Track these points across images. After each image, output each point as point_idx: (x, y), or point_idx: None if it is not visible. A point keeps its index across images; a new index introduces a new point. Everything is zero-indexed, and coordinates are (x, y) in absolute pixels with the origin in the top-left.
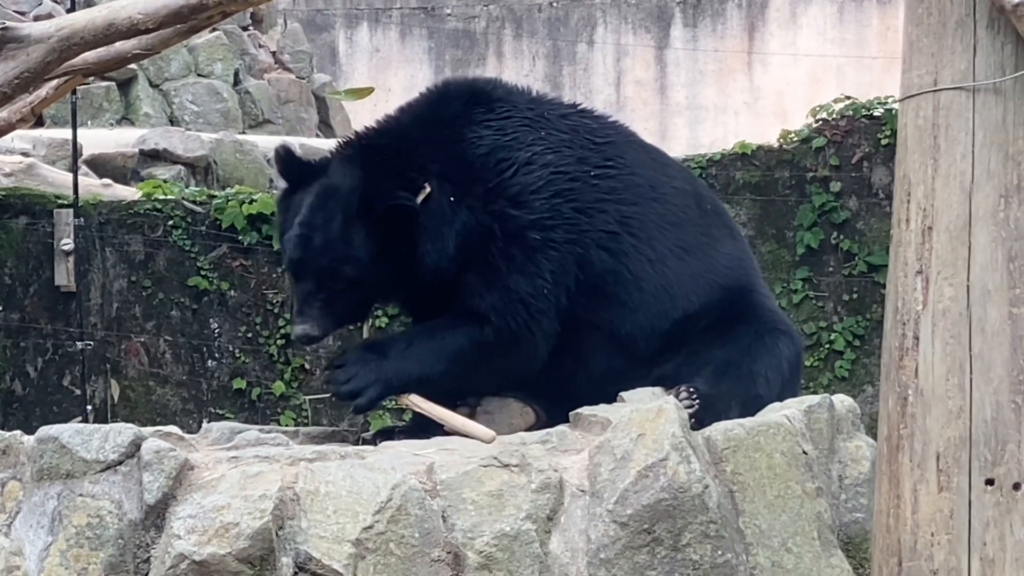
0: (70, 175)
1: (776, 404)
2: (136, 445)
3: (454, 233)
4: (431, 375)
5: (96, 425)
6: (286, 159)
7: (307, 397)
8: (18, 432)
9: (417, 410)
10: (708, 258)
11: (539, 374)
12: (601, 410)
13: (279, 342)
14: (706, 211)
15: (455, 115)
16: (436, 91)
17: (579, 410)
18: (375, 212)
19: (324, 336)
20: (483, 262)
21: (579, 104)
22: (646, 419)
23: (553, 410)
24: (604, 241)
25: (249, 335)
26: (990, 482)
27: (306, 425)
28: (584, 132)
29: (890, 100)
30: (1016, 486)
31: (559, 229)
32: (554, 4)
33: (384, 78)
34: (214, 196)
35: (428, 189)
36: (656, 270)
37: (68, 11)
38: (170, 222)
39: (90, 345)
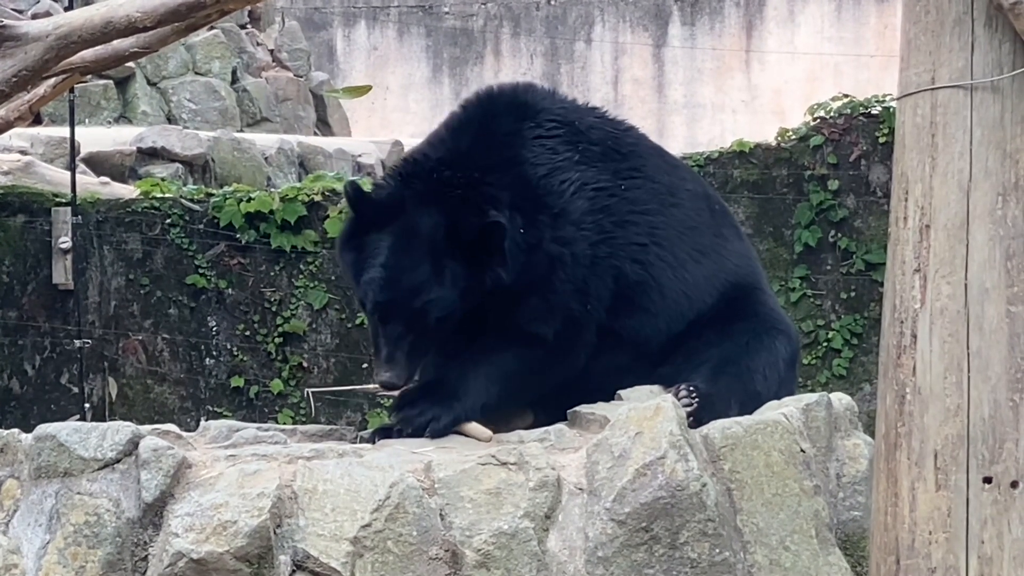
0: (68, 173)
1: (774, 402)
2: (134, 443)
3: (524, 261)
4: (489, 401)
5: (94, 423)
6: (357, 198)
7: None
8: (16, 430)
9: None
10: (720, 258)
11: None
12: (599, 408)
13: (277, 340)
14: (715, 211)
15: (510, 133)
16: (482, 105)
17: (577, 408)
18: (464, 241)
19: (407, 383)
20: (549, 287)
21: (595, 108)
22: (644, 417)
23: (551, 408)
24: (636, 253)
25: (247, 333)
26: (988, 480)
27: (304, 422)
28: (611, 143)
29: (888, 98)
30: (1014, 484)
31: (602, 245)
32: (552, 2)
33: (382, 76)
34: (212, 194)
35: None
36: (677, 275)
37: (66, 9)
38: (168, 220)
39: (88, 343)
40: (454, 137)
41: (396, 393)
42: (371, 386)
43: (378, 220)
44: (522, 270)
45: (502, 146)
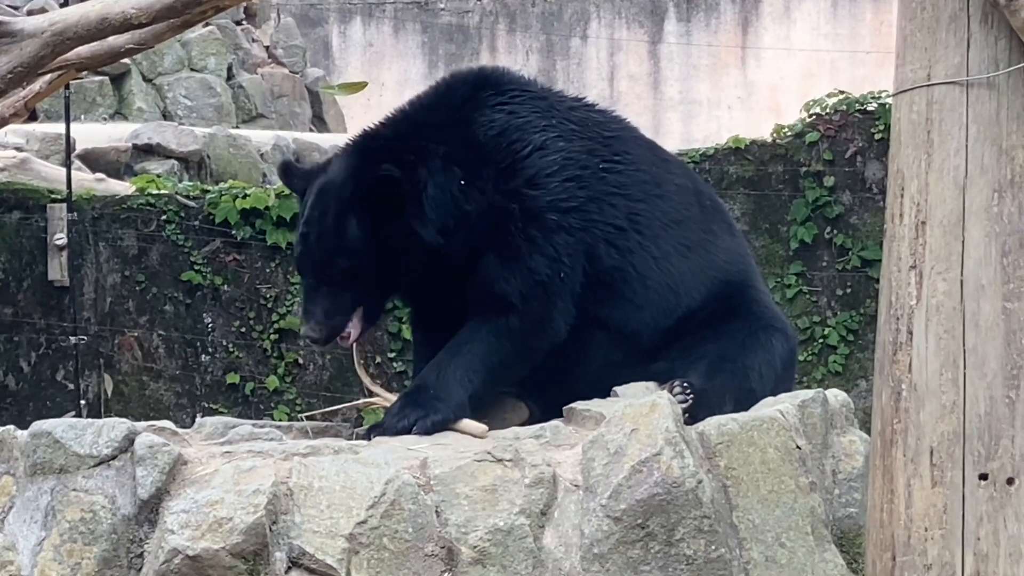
0: (63, 170)
1: (769, 399)
2: (129, 440)
3: (464, 215)
4: (475, 390)
5: (89, 420)
6: (284, 172)
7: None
8: (11, 427)
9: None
10: (709, 254)
11: (535, 368)
12: (595, 405)
13: (272, 336)
14: (706, 207)
15: (464, 99)
16: (445, 81)
17: (572, 405)
18: (361, 193)
19: (328, 341)
20: (503, 243)
21: (583, 98)
22: (639, 414)
23: (547, 405)
24: (612, 237)
25: (243, 330)
26: (983, 477)
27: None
28: (592, 125)
29: (883, 95)
30: (1009, 481)
31: (574, 214)
32: None
33: (377, 72)
34: (207, 191)
35: (424, 171)
36: (661, 268)
37: (61, 6)
38: (163, 217)
39: (83, 340)
40: (406, 106)
41: (387, 404)
42: (360, 401)
43: (307, 186)
44: (470, 225)
45: (452, 110)
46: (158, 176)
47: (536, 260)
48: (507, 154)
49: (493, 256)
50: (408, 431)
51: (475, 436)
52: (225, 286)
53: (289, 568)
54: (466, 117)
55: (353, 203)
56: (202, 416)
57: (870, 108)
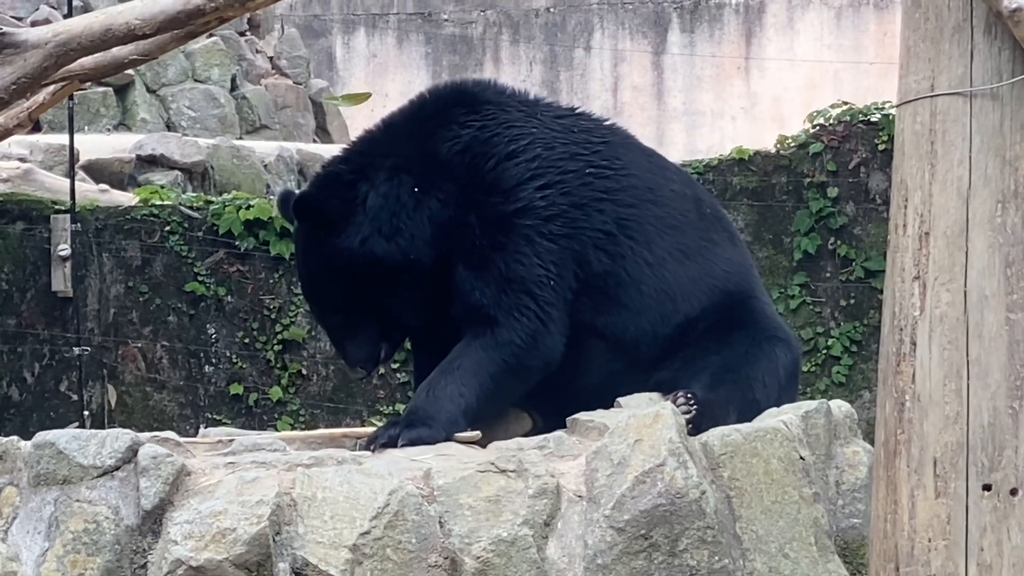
0: (67, 180)
1: (773, 410)
2: (133, 451)
3: (417, 219)
4: (469, 407)
5: (93, 431)
6: (280, 203)
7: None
8: (15, 437)
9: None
10: (708, 262)
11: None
12: (598, 415)
13: (276, 347)
14: (705, 215)
15: (432, 115)
16: (421, 95)
17: (576, 415)
18: (299, 225)
19: (376, 364)
20: (466, 252)
21: (578, 108)
22: (643, 424)
23: (550, 415)
24: (601, 243)
25: (246, 340)
26: (987, 487)
27: (304, 430)
28: (580, 131)
29: (887, 105)
30: (1013, 491)
31: (557, 220)
32: (551, 9)
33: (381, 83)
34: (211, 202)
35: (366, 185)
36: (655, 273)
37: (65, 16)
38: (167, 228)
39: (87, 351)
40: (380, 122)
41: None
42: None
43: None
44: (432, 236)
45: (417, 124)
46: (162, 187)
47: (512, 268)
48: (470, 169)
49: (461, 266)
50: (394, 444)
51: (473, 443)
52: (229, 297)
53: None
54: (430, 131)
55: (297, 235)
56: (205, 427)
57: (874, 119)
